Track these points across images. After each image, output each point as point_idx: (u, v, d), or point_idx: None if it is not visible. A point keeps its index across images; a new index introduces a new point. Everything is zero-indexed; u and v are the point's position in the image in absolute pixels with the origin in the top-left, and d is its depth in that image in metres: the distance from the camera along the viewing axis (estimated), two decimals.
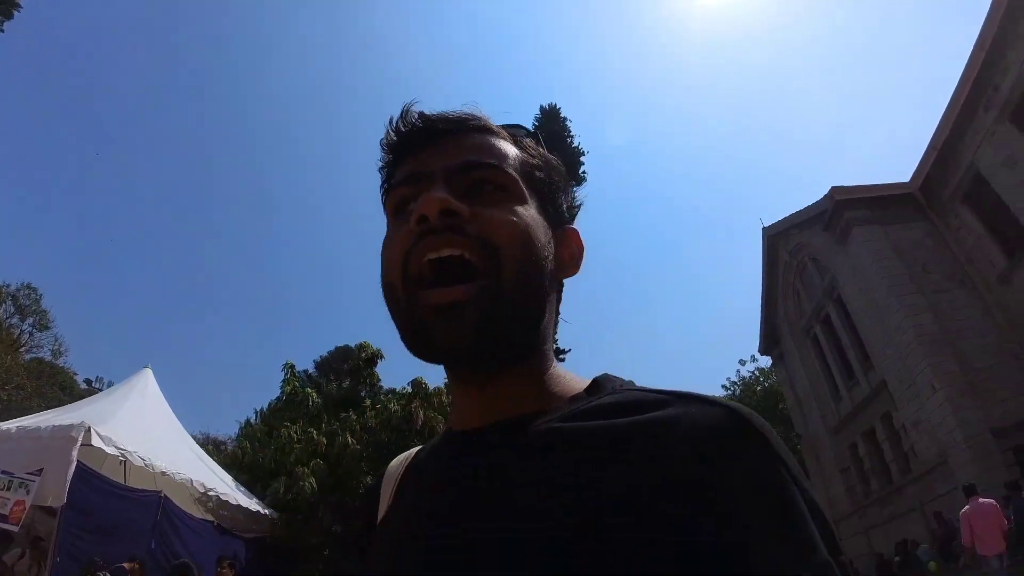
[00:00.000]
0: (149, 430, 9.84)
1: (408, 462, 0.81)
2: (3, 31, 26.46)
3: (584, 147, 32.69)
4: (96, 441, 8.13)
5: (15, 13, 26.76)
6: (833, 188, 19.08)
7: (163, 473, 9.05)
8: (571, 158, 31.63)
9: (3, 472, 7.83)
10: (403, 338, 0.68)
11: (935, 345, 16.32)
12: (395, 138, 0.74)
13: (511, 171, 0.71)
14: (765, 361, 31.10)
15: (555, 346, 0.78)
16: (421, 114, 0.73)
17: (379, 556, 0.69)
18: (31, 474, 7.83)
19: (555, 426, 0.62)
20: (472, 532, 0.57)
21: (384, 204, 0.75)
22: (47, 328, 34.45)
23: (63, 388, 35.14)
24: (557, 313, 0.77)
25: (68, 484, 7.71)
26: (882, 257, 17.94)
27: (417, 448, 0.83)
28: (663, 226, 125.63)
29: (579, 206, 0.82)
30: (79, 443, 7.95)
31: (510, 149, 0.73)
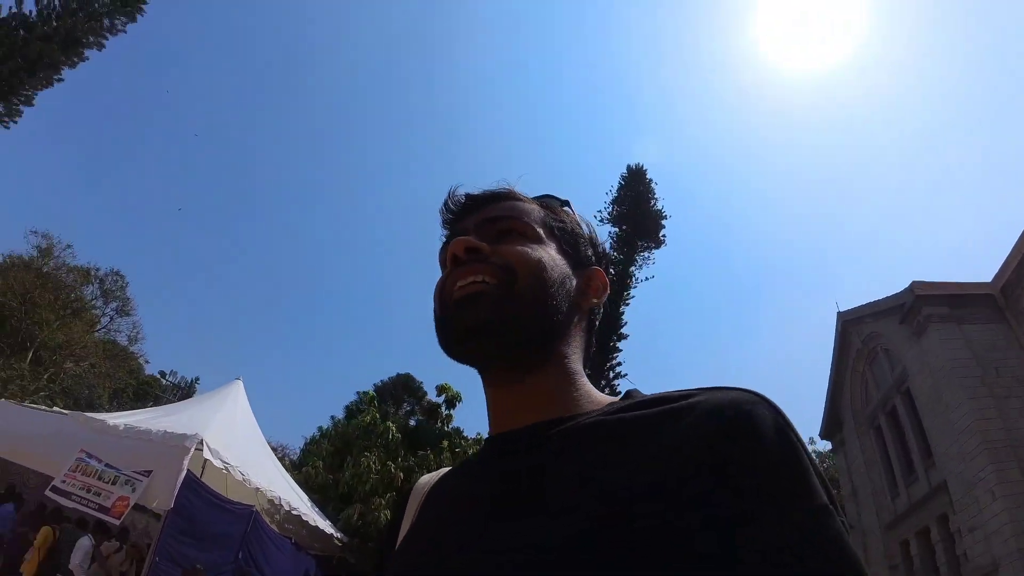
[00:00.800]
0: (242, 443, 10.35)
1: (436, 480, 0.87)
2: (125, 31, 28.68)
3: (667, 211, 33.14)
4: (207, 453, 8.61)
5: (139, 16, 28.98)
6: (915, 283, 19.18)
7: (257, 489, 9.69)
8: (653, 220, 32.41)
9: (110, 467, 8.23)
10: (439, 340, 0.80)
11: (1000, 451, 16.18)
12: (447, 215, 0.91)
13: (527, 220, 0.85)
14: (823, 444, 30.46)
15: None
16: (467, 195, 0.90)
17: (403, 569, 0.72)
18: (139, 473, 8.19)
19: (589, 421, 0.69)
20: (501, 537, 0.61)
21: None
22: (128, 315, 36.17)
23: (130, 372, 37.15)
24: (589, 342, 0.88)
25: (177, 490, 8.10)
26: (956, 356, 17.89)
27: (446, 469, 0.90)
28: (729, 289, 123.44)
29: (604, 253, 0.95)
30: (191, 452, 8.34)
31: (530, 208, 0.88)
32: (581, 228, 0.92)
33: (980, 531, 16.34)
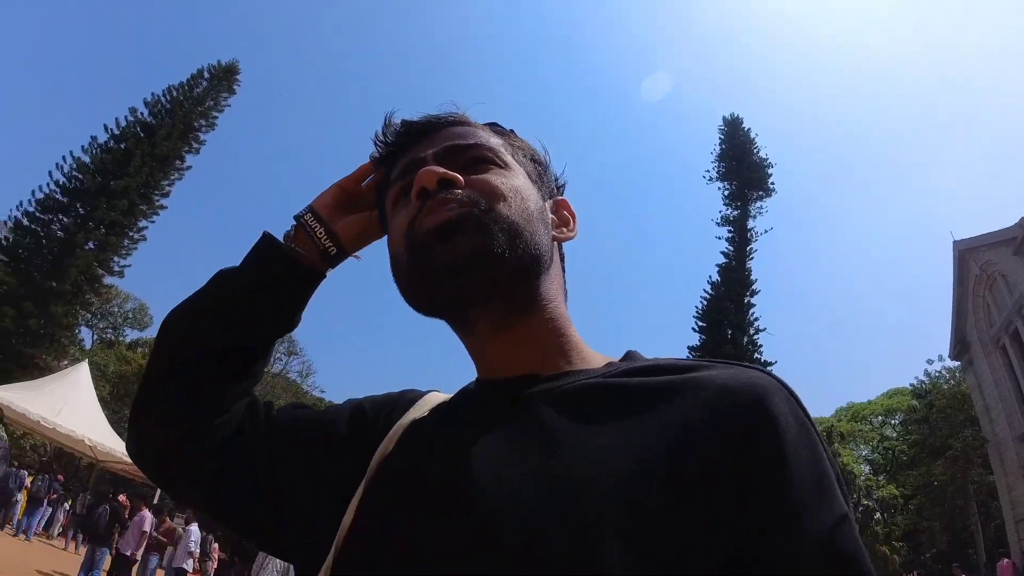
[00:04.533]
0: None
1: (429, 408, 0.79)
2: (229, 105, 31.64)
3: (771, 159, 35.30)
4: None
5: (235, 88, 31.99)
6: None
7: None
8: (758, 170, 34.87)
9: None
10: (405, 286, 0.75)
11: None
12: (383, 149, 0.85)
13: (493, 145, 0.80)
14: (952, 363, 33.71)
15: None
16: (403, 121, 0.83)
17: (394, 494, 0.66)
18: None
19: (589, 382, 0.67)
20: (533, 474, 0.58)
21: (384, 209, 0.84)
22: (296, 355, 42.43)
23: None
24: (564, 281, 0.83)
25: None
26: None
27: (442, 397, 0.82)
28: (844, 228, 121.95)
29: (563, 184, 0.90)
30: None
31: (489, 135, 0.82)
32: (540, 155, 0.88)
33: None
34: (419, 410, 0.78)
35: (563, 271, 0.83)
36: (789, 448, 0.56)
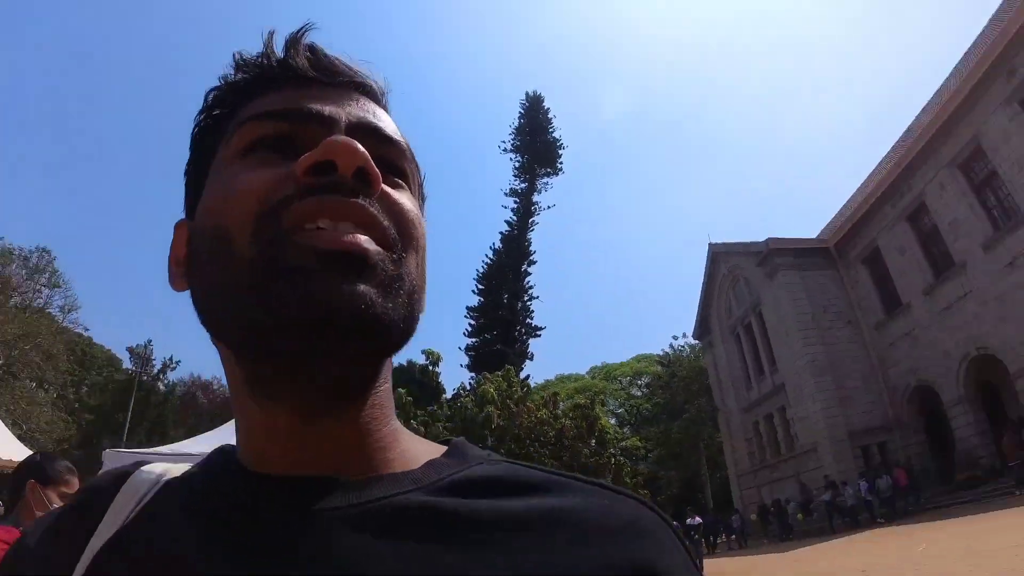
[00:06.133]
0: None
1: (163, 482, 0.54)
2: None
3: (564, 141, 37.62)
4: None
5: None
6: (769, 239, 26.91)
7: None
8: (551, 150, 37.04)
9: None
10: (230, 303, 0.46)
11: (820, 368, 25.14)
12: (274, 64, 0.55)
13: (409, 159, 0.56)
14: (693, 339, 39.59)
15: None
16: (319, 50, 0.56)
17: None
18: None
19: (425, 500, 0.47)
20: None
21: (212, 137, 0.55)
22: (58, 287, 36.43)
23: (73, 347, 37.81)
24: None
25: None
26: (796, 295, 26.27)
27: (183, 469, 0.57)
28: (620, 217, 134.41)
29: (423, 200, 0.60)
30: None
31: (403, 139, 0.57)
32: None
33: (805, 420, 25.71)
34: (122, 512, 0.52)
35: None
36: None
